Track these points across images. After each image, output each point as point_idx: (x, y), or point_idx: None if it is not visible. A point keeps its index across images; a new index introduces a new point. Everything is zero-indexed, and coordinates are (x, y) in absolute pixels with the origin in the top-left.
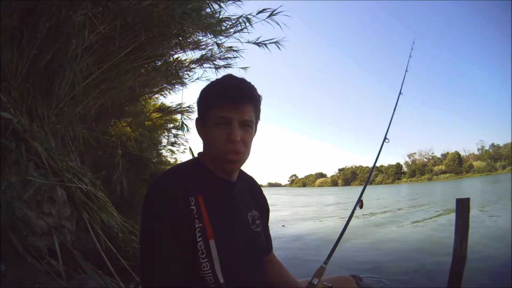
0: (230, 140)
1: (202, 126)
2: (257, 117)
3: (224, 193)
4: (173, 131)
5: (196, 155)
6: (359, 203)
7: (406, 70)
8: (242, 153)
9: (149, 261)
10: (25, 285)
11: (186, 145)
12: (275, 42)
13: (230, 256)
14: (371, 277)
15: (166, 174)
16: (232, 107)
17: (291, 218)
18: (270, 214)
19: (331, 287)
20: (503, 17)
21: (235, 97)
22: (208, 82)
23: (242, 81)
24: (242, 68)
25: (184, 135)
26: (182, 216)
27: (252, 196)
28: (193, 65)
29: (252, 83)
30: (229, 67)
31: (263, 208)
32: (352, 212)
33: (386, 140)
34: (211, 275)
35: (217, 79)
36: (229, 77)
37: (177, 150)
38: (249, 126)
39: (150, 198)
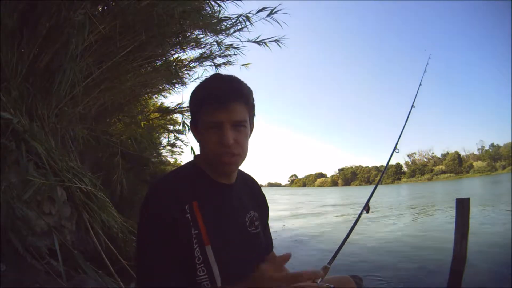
0: (222, 144)
1: (195, 129)
2: (251, 113)
3: (221, 197)
4: (173, 129)
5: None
6: (366, 207)
7: (420, 84)
8: (237, 155)
9: (148, 268)
10: (25, 285)
11: (187, 145)
12: (275, 41)
13: (227, 260)
14: (371, 277)
15: (160, 184)
16: (221, 109)
17: (292, 218)
18: (270, 213)
19: None
20: (503, 17)
21: (221, 99)
22: (197, 84)
23: (228, 80)
24: (242, 65)
25: (186, 135)
26: (178, 226)
27: (251, 196)
28: (193, 64)
29: (241, 79)
30: (230, 64)
31: (263, 207)
32: (359, 216)
33: (396, 150)
34: (208, 280)
35: (204, 80)
36: (215, 77)
37: (178, 148)
38: (242, 126)
39: (145, 209)
